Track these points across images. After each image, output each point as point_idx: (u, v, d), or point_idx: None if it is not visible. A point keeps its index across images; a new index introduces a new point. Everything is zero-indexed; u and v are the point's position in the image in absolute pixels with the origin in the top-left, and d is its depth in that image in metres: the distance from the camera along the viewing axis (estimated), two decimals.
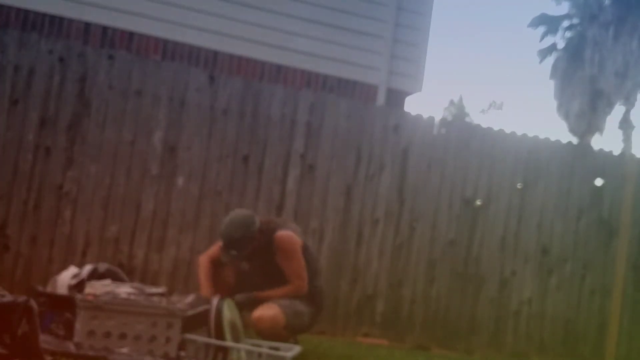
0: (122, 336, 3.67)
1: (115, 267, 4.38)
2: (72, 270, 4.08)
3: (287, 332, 4.36)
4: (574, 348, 6.60)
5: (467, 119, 26.19)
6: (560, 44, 20.52)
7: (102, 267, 4.18)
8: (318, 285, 4.62)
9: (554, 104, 20.14)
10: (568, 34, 20.53)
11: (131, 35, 7.67)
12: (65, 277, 4.03)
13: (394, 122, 6.40)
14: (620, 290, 6.63)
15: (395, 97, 8.38)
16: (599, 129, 19.60)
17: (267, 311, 4.31)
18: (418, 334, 6.29)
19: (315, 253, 4.81)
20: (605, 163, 6.85)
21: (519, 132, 6.73)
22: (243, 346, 3.74)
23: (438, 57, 41.26)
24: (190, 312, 3.79)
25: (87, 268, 4.09)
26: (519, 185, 6.63)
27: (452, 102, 28.68)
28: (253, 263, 4.57)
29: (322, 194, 6.15)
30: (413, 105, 44.43)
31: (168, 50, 7.74)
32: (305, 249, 4.55)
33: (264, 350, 3.72)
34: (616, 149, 7.39)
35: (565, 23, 20.63)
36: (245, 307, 4.32)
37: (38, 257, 5.55)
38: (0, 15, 7.29)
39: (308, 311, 4.48)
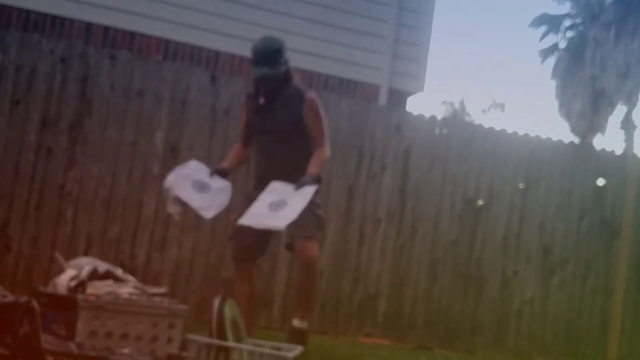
0: (124, 336, 3.68)
1: (113, 266, 4.35)
2: (71, 272, 4.07)
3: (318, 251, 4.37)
4: (576, 348, 6.59)
5: (468, 119, 26.17)
6: (562, 44, 20.53)
7: (102, 267, 4.17)
8: None
9: (555, 104, 20.16)
10: (569, 34, 20.53)
11: (133, 35, 7.67)
12: (64, 279, 4.02)
13: (396, 122, 6.40)
14: (622, 291, 6.63)
15: (397, 97, 8.37)
16: (601, 129, 19.60)
17: (309, 246, 4.25)
18: (420, 334, 6.29)
19: None
20: (607, 163, 6.84)
21: (521, 132, 6.73)
22: (245, 346, 3.74)
23: (440, 57, 41.24)
24: None
25: (86, 269, 4.08)
26: (521, 185, 6.63)
27: (446, 102, 28.69)
28: (279, 115, 4.36)
29: (324, 194, 6.12)
30: (415, 105, 44.48)
31: (169, 50, 7.74)
32: None
33: (266, 350, 3.71)
34: (618, 149, 7.39)
35: (567, 23, 20.64)
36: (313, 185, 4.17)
37: (39, 257, 5.55)
38: (2, 16, 7.29)
39: (320, 207, 4.39)
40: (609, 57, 18.48)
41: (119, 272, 4.19)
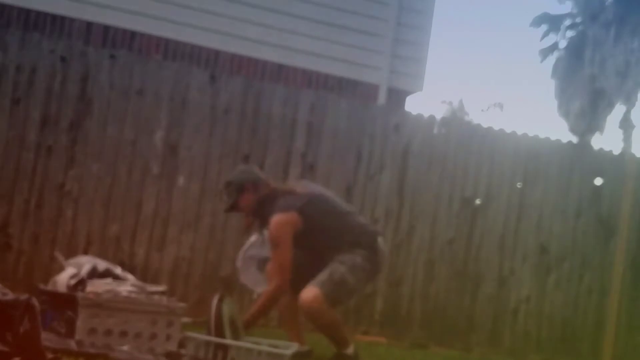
0: (123, 334, 3.70)
1: (112, 264, 4.38)
2: (71, 270, 4.10)
3: (332, 304, 4.14)
4: (572, 346, 6.62)
5: (467, 119, 26.16)
6: (562, 43, 20.51)
7: (102, 265, 4.20)
8: (354, 228, 4.32)
9: (554, 103, 20.14)
10: (569, 33, 20.52)
11: (133, 34, 7.70)
12: (64, 278, 4.05)
13: (395, 122, 6.43)
14: (618, 289, 6.65)
15: (396, 97, 8.39)
16: (599, 128, 19.58)
17: (306, 296, 4.09)
18: (417, 332, 6.32)
19: (333, 203, 4.42)
20: (605, 162, 6.87)
21: (519, 132, 6.76)
22: (243, 344, 3.77)
23: (439, 57, 41.21)
24: None
25: (86, 267, 4.11)
26: (518, 185, 6.66)
27: (445, 102, 28.69)
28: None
29: None
30: (414, 105, 44.48)
31: (169, 49, 7.76)
32: (307, 219, 4.20)
33: (264, 348, 3.75)
34: (616, 148, 7.42)
35: (567, 22, 20.62)
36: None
37: (40, 256, 5.58)
38: (2, 15, 7.31)
39: (354, 266, 4.16)
40: (608, 57, 18.47)
41: (118, 270, 4.22)
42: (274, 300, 4.25)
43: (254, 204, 4.30)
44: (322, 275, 4.15)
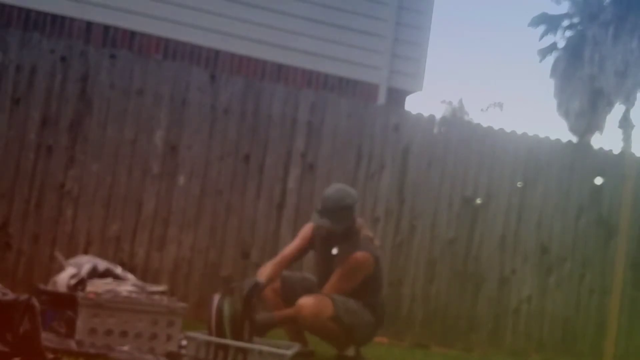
0: (124, 334, 3.70)
1: (113, 264, 4.37)
2: (71, 270, 4.10)
3: (336, 325, 4.19)
4: (573, 346, 6.62)
5: (466, 118, 26.18)
6: (561, 43, 20.53)
7: (102, 265, 4.20)
8: (380, 298, 4.48)
9: (554, 103, 20.16)
10: (568, 33, 20.53)
11: (132, 34, 7.69)
12: (64, 278, 4.05)
13: (395, 121, 6.42)
14: (619, 289, 6.65)
15: (396, 96, 8.39)
16: (599, 128, 19.61)
17: (312, 298, 4.17)
18: (417, 332, 6.31)
19: (383, 267, 4.58)
20: (605, 162, 6.86)
21: (519, 131, 6.75)
22: (243, 344, 3.76)
23: (439, 57, 41.26)
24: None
25: (86, 267, 4.11)
26: (518, 184, 6.65)
27: (445, 101, 28.70)
28: (332, 253, 4.44)
29: (322, 192, 6.16)
30: (414, 105, 44.46)
31: (169, 49, 7.76)
32: (376, 264, 4.36)
33: (265, 348, 3.74)
34: (616, 148, 7.41)
35: (566, 22, 20.64)
36: (263, 333, 4.13)
37: (40, 256, 5.58)
38: (2, 15, 7.31)
39: (363, 315, 4.30)
40: (607, 57, 18.49)
41: (118, 269, 4.22)
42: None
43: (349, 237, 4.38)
44: (338, 295, 4.25)
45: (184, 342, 3.80)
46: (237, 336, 3.73)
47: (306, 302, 4.16)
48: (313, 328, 4.23)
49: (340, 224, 4.33)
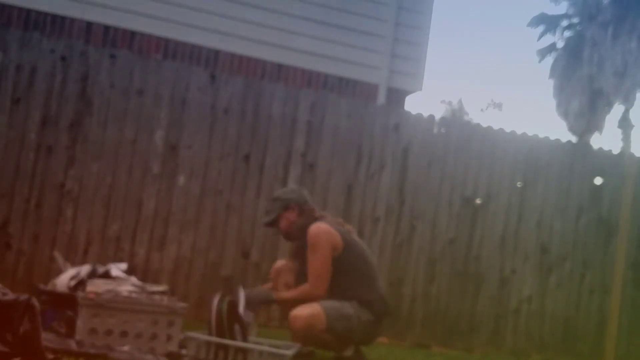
0: (124, 334, 3.70)
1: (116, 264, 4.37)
2: (71, 271, 4.10)
3: (330, 336, 4.16)
4: (573, 346, 6.62)
5: (466, 118, 26.20)
6: (560, 44, 20.54)
7: (101, 268, 4.20)
8: (375, 291, 4.34)
9: (553, 103, 20.17)
10: (567, 34, 20.55)
11: (133, 34, 7.69)
12: (64, 279, 4.05)
13: (395, 121, 6.42)
14: (620, 289, 6.65)
15: (396, 96, 8.40)
16: (598, 128, 19.62)
17: (305, 309, 4.13)
18: (418, 332, 6.31)
19: (368, 256, 4.44)
20: (604, 162, 6.86)
21: (519, 131, 6.75)
22: (243, 344, 3.76)
23: (438, 57, 41.26)
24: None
25: (86, 268, 4.11)
26: (518, 184, 6.65)
27: (445, 101, 28.73)
28: (302, 258, 4.39)
29: (322, 192, 6.17)
30: (413, 105, 44.47)
31: (169, 49, 7.76)
32: (346, 245, 4.26)
33: (265, 348, 3.74)
34: (615, 148, 7.40)
35: (565, 22, 20.65)
36: (256, 306, 4.18)
37: (40, 256, 5.57)
38: (3, 15, 7.31)
39: (360, 316, 4.22)
40: (606, 57, 18.49)
41: (123, 266, 4.23)
42: (306, 301, 4.20)
43: (294, 226, 4.36)
44: (331, 303, 4.19)
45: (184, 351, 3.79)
46: (224, 335, 3.72)
47: (299, 314, 4.12)
48: (306, 340, 4.18)
49: (268, 216, 4.48)
